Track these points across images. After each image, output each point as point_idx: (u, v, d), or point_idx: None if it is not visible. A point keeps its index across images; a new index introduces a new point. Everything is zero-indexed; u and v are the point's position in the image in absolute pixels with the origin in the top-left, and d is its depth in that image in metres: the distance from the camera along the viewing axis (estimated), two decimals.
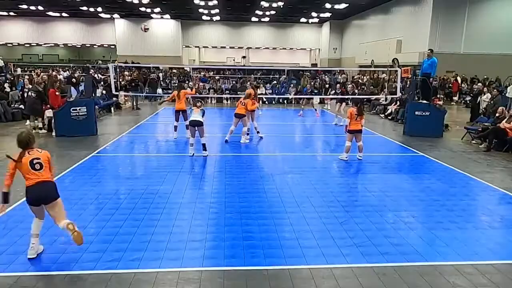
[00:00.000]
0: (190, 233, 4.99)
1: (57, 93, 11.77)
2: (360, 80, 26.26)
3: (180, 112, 11.04)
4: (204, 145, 8.97)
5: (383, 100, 17.96)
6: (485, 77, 23.14)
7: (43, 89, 12.55)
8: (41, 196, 4.24)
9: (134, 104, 18.65)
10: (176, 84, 24.52)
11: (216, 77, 27.02)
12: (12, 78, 18.66)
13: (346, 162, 8.77)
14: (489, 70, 23.46)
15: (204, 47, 47.71)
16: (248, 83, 21.00)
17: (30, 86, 13.44)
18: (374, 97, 18.64)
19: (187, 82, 25.18)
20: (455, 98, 23.17)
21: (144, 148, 10.43)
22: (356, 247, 4.68)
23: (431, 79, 12.82)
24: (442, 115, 12.55)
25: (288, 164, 8.67)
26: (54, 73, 23.90)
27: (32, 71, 24.82)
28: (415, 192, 6.82)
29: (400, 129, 13.07)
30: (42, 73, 20.07)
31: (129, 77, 21.44)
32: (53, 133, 11.33)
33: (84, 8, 34.66)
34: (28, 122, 12.76)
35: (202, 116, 8.92)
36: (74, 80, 17.27)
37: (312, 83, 23.81)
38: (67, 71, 27.83)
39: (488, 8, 24.62)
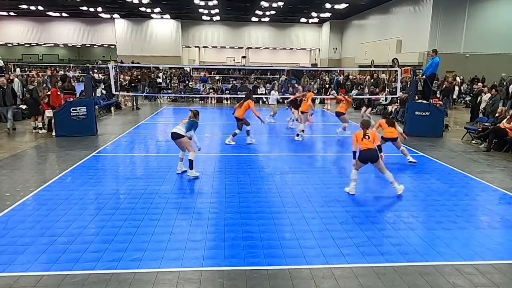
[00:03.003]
0: (190, 233, 4.99)
1: (59, 92, 11.74)
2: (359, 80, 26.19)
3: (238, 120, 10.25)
4: (190, 162, 7.24)
5: (383, 100, 17.97)
6: (483, 77, 23.14)
7: (36, 89, 12.51)
8: None
9: (134, 104, 18.66)
10: (176, 84, 24.58)
11: (216, 77, 27.03)
12: (12, 79, 18.64)
13: (345, 162, 8.75)
14: (489, 70, 23.45)
15: (204, 47, 47.74)
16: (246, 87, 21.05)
17: (31, 87, 13.45)
18: (374, 97, 18.64)
19: (187, 82, 25.22)
20: (455, 97, 23.14)
21: (144, 148, 10.43)
22: (356, 247, 4.68)
23: (425, 77, 12.77)
24: (442, 115, 12.55)
25: (288, 164, 8.66)
26: (49, 72, 23.96)
27: (32, 71, 24.85)
28: (415, 192, 6.82)
29: (400, 129, 13.05)
30: (37, 73, 20.15)
31: (129, 77, 21.45)
32: (53, 133, 11.32)
33: (84, 8, 34.67)
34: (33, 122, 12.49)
35: (190, 130, 7.27)
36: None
37: (312, 83, 23.84)
38: (70, 71, 27.85)
39: (488, 8, 24.61)
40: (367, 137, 6.46)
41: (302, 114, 11.50)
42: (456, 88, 20.72)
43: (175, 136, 7.24)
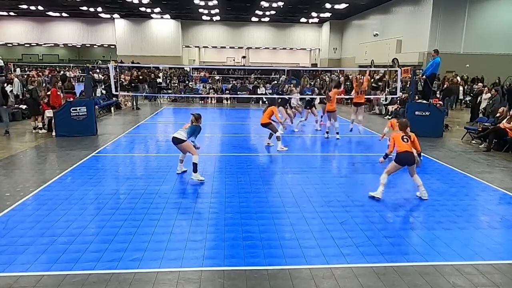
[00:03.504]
0: (190, 233, 4.99)
1: (58, 92, 11.73)
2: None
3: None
4: (194, 165, 7.05)
5: (383, 100, 17.98)
6: (482, 77, 23.17)
7: (36, 89, 12.49)
8: None
9: (134, 104, 18.66)
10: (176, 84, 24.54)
11: (216, 77, 27.04)
12: (12, 79, 18.65)
13: (345, 162, 8.76)
14: (489, 70, 23.46)
15: (204, 47, 47.76)
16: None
17: (31, 87, 13.43)
18: (373, 97, 18.65)
19: (187, 82, 25.22)
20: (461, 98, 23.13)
21: (144, 148, 10.43)
22: (356, 247, 4.68)
23: (425, 77, 12.78)
24: (442, 115, 12.55)
25: (288, 164, 8.66)
26: (47, 72, 23.88)
27: (32, 71, 24.84)
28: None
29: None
30: (37, 73, 20.10)
31: (129, 77, 21.44)
32: (53, 133, 11.32)
33: (84, 8, 34.69)
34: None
35: (192, 135, 7.13)
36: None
37: (312, 83, 23.83)
38: (69, 71, 27.84)
39: (488, 8, 24.62)
40: (405, 139, 6.21)
41: (331, 114, 11.51)
42: (461, 88, 20.67)
43: (176, 141, 7.06)
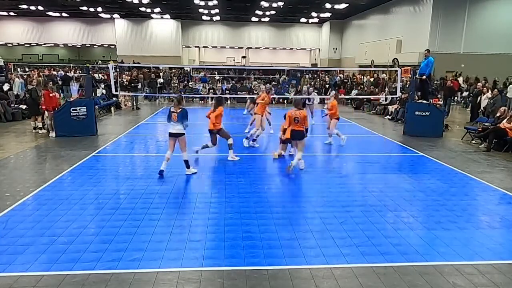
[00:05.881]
0: (190, 233, 4.99)
1: (51, 94, 11.53)
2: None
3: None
4: (186, 162, 7.45)
5: (383, 100, 17.98)
6: (476, 77, 23.16)
7: (36, 89, 12.48)
8: None
9: (134, 104, 18.66)
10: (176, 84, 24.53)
11: (216, 77, 27.03)
12: (12, 79, 18.68)
13: (346, 162, 8.76)
14: (489, 70, 23.46)
15: (204, 47, 47.73)
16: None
17: (31, 87, 13.45)
18: (373, 97, 18.67)
19: (186, 82, 25.20)
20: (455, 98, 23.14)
21: (144, 148, 10.43)
22: (356, 247, 4.68)
23: (425, 77, 12.79)
24: (442, 115, 12.55)
25: (288, 164, 8.65)
26: (47, 72, 23.74)
27: (32, 71, 24.83)
28: (415, 192, 6.82)
29: (400, 129, 13.08)
30: (38, 72, 20.04)
31: (129, 77, 21.45)
32: (50, 134, 11.28)
33: (84, 8, 34.66)
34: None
35: (185, 121, 7.31)
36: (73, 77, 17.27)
37: (312, 83, 23.83)
38: (60, 71, 27.77)
39: (488, 8, 24.62)
40: (296, 120, 7.60)
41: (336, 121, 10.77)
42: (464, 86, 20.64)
43: (177, 135, 7.31)
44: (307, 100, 12.66)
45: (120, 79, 13.51)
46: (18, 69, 28.23)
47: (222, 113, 8.60)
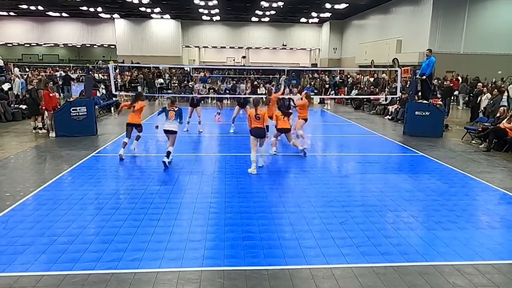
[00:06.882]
0: (190, 233, 4.99)
1: (51, 94, 11.54)
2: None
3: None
4: (169, 153, 8.04)
5: (383, 100, 17.98)
6: (485, 78, 23.15)
7: (36, 89, 12.48)
8: None
9: None
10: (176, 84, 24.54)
11: (216, 77, 27.00)
12: (12, 79, 18.67)
13: (345, 162, 8.75)
14: (489, 70, 23.47)
15: (204, 47, 47.76)
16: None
17: (31, 87, 13.45)
18: (373, 97, 18.66)
19: (185, 82, 25.20)
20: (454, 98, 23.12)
21: (144, 148, 10.42)
22: (356, 247, 4.68)
23: (425, 77, 12.77)
24: (442, 115, 12.55)
25: (288, 164, 8.66)
26: (47, 72, 23.73)
27: (32, 71, 24.81)
28: (415, 192, 6.82)
29: (400, 129, 13.07)
30: (39, 72, 20.04)
31: (129, 77, 21.44)
32: (50, 134, 11.28)
33: (84, 8, 34.68)
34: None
35: (180, 118, 8.15)
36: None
37: (312, 83, 23.84)
38: (60, 71, 27.76)
39: (488, 8, 24.63)
40: (258, 117, 7.71)
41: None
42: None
43: (172, 132, 8.02)
44: (292, 102, 12.16)
45: (115, 80, 13.45)
46: (16, 69, 28.21)
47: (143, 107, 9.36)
